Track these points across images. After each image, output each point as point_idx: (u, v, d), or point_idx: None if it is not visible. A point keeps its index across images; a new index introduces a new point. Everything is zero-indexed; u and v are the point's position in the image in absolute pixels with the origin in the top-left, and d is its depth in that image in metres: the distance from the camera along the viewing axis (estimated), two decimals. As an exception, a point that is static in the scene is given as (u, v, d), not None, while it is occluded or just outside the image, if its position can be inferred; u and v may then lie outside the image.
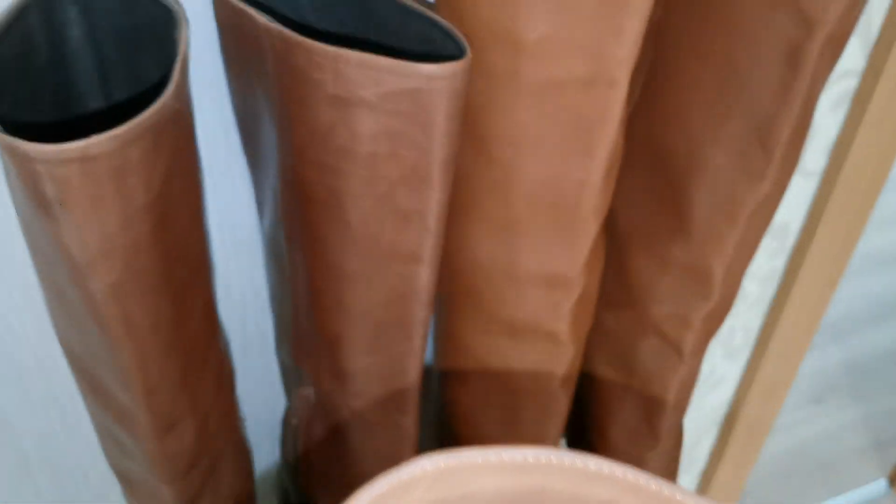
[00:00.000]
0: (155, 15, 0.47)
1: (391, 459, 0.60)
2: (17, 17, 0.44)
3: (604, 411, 0.73)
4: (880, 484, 1.59)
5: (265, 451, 0.86)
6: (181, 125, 0.42)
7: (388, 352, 0.53)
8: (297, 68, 0.43)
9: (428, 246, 0.48)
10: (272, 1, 0.51)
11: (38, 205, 0.36)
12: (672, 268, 0.62)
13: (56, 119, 0.48)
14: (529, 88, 0.45)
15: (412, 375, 0.54)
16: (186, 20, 0.45)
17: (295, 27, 0.52)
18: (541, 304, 0.57)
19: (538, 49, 0.43)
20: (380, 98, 0.42)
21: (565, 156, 0.48)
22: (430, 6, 0.50)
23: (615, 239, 0.63)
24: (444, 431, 0.72)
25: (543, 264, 0.54)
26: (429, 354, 0.68)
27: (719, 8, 0.49)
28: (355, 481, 0.35)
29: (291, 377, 0.65)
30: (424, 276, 0.50)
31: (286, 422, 0.71)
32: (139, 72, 0.51)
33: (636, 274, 0.64)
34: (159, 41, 0.48)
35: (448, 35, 0.45)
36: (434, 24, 0.46)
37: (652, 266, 0.63)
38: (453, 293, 0.59)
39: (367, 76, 0.42)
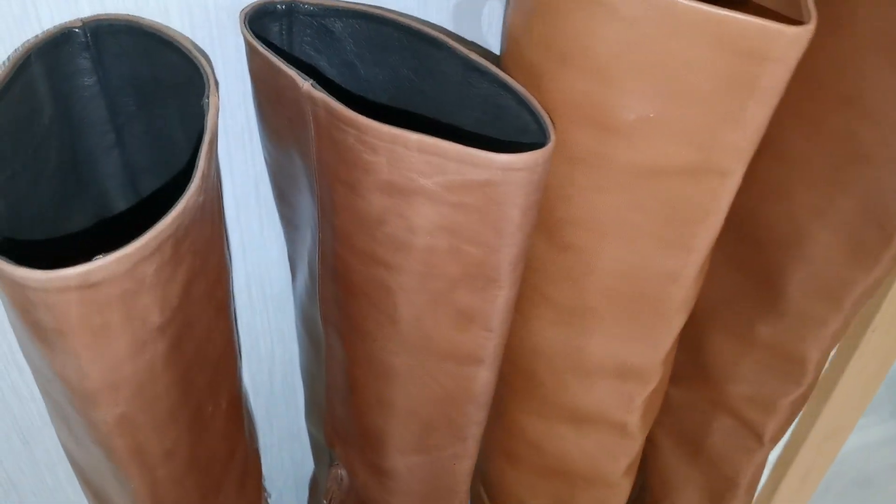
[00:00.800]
0: (179, 68, 0.40)
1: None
2: (18, 68, 0.37)
3: (664, 488, 0.67)
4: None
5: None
6: (208, 212, 0.35)
7: (437, 453, 0.46)
8: (344, 146, 0.36)
9: (490, 347, 0.41)
10: (312, 48, 0.44)
11: (32, 332, 0.30)
12: (756, 348, 0.54)
13: (60, 189, 0.41)
14: (619, 174, 0.38)
15: (462, 479, 0.48)
16: (216, 82, 0.38)
17: (339, 79, 0.45)
18: (610, 395, 0.50)
19: (635, 132, 0.36)
20: (443, 188, 0.35)
21: (656, 247, 0.40)
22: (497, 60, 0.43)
23: (690, 310, 0.55)
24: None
25: (617, 356, 0.47)
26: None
27: (838, 81, 0.41)
28: None
29: (321, 451, 0.58)
30: (483, 379, 0.43)
31: (314, 495, 0.65)
32: (160, 128, 0.45)
33: (713, 350, 0.57)
34: (183, 96, 0.41)
35: (523, 104, 0.38)
36: (506, 87, 0.39)
37: (732, 343, 0.55)
38: (508, 373, 0.52)
39: (429, 163, 0.35)
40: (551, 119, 0.36)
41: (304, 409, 0.59)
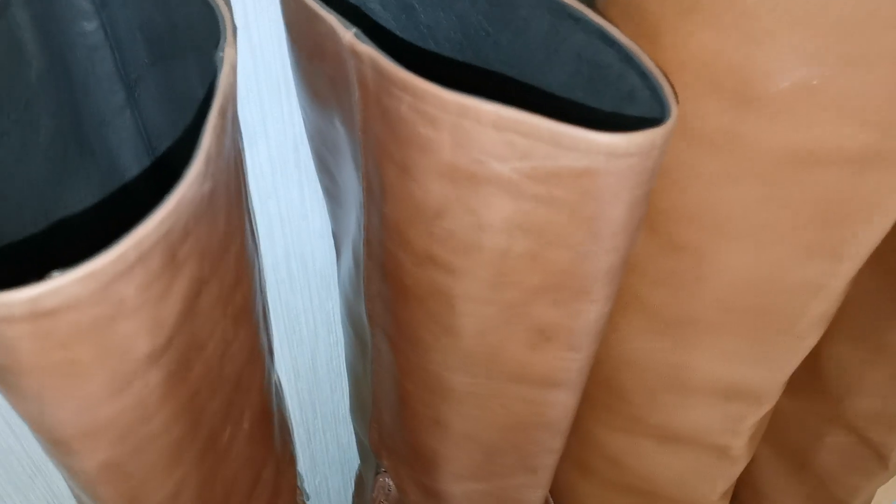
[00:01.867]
0: (197, 12, 0.32)
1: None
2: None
3: (757, 500, 0.58)
4: None
5: (335, 491, 0.74)
6: (219, 201, 0.27)
7: (500, 481, 0.39)
8: (396, 116, 0.28)
9: (573, 370, 0.33)
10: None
11: (-21, 366, 0.23)
12: (888, 358, 0.45)
13: (59, 163, 0.34)
14: (758, 160, 0.28)
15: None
16: (234, 29, 0.29)
17: (394, 28, 0.36)
18: (712, 417, 0.41)
19: (786, 105, 0.26)
20: (524, 176, 0.27)
21: (797, 254, 0.31)
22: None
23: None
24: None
25: (726, 377, 0.38)
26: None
27: None
28: None
29: (367, 453, 0.51)
30: (562, 404, 0.35)
31: (359, 494, 0.58)
32: (180, 86, 0.37)
33: (833, 357, 0.47)
34: (204, 47, 0.33)
35: (630, 63, 0.29)
36: (608, 40, 0.29)
37: (858, 352, 0.46)
38: (588, 383, 0.43)
39: (507, 143, 0.26)
40: (671, 85, 0.27)
41: (349, 402, 0.52)
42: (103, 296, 0.22)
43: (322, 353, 0.60)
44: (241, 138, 0.37)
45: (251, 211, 0.35)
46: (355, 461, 0.71)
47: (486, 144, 0.26)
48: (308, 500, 0.68)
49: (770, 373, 0.37)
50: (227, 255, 0.29)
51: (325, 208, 0.49)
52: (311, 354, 0.59)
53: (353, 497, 0.62)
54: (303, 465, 0.69)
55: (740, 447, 0.43)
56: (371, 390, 0.43)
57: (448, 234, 0.29)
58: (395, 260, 0.33)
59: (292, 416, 0.63)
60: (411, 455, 0.41)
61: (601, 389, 0.43)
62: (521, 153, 0.26)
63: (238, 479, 0.34)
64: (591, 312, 0.31)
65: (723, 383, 0.38)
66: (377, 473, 0.48)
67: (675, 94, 0.26)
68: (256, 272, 0.35)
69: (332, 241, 0.50)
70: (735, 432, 0.42)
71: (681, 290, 0.35)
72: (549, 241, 0.28)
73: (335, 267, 0.53)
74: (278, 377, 0.56)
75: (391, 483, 0.47)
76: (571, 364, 0.33)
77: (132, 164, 0.39)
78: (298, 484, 0.48)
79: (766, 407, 0.40)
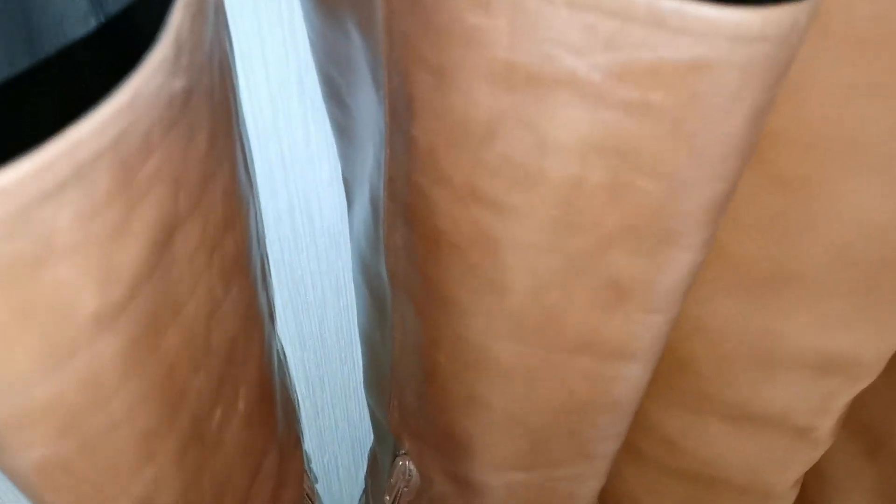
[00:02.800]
0: None
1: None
2: None
3: (823, 485, 0.52)
4: None
5: (345, 470, 0.68)
6: (199, 109, 0.20)
7: (550, 472, 0.32)
8: (433, 1, 0.21)
9: (650, 337, 0.26)
10: None
11: None
12: None
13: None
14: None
15: (585, 498, 0.33)
16: None
17: None
18: (800, 394, 0.34)
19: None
20: (609, 75, 0.20)
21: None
22: None
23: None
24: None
25: (826, 345, 0.31)
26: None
27: None
28: None
29: (384, 432, 0.45)
30: (633, 380, 0.28)
31: (374, 474, 0.52)
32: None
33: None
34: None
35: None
36: None
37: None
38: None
39: (587, 28, 0.19)
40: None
41: (364, 375, 0.46)
42: (22, 226, 0.15)
43: (331, 319, 0.53)
44: (231, 48, 0.30)
45: (244, 136, 0.28)
46: (367, 438, 0.64)
47: (558, 31, 0.19)
48: (316, 482, 0.62)
49: (879, 343, 0.31)
50: (211, 186, 0.22)
51: (335, 149, 0.42)
52: (319, 321, 0.53)
53: (366, 477, 0.56)
54: (310, 443, 0.63)
55: (826, 430, 0.36)
56: (391, 363, 0.36)
57: (499, 161, 0.23)
58: (426, 199, 0.26)
59: (297, 390, 0.57)
60: (441, 439, 0.34)
61: (662, 360, 0.37)
62: (605, 41, 0.19)
63: (233, 473, 0.28)
64: (681, 263, 0.24)
65: (819, 355, 0.32)
66: (396, 456, 0.42)
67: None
68: (253, 215, 0.28)
69: (343, 190, 0.43)
70: (824, 412, 0.35)
71: (783, 239, 0.28)
72: (635, 168, 0.21)
73: (346, 221, 0.46)
74: (281, 346, 0.49)
75: (413, 468, 0.41)
76: (649, 330, 0.26)
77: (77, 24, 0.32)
78: (305, 466, 0.42)
79: (864, 383, 0.33)
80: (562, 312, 0.26)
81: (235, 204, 0.25)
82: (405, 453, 0.42)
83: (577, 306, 0.26)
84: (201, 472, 0.25)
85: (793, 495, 0.43)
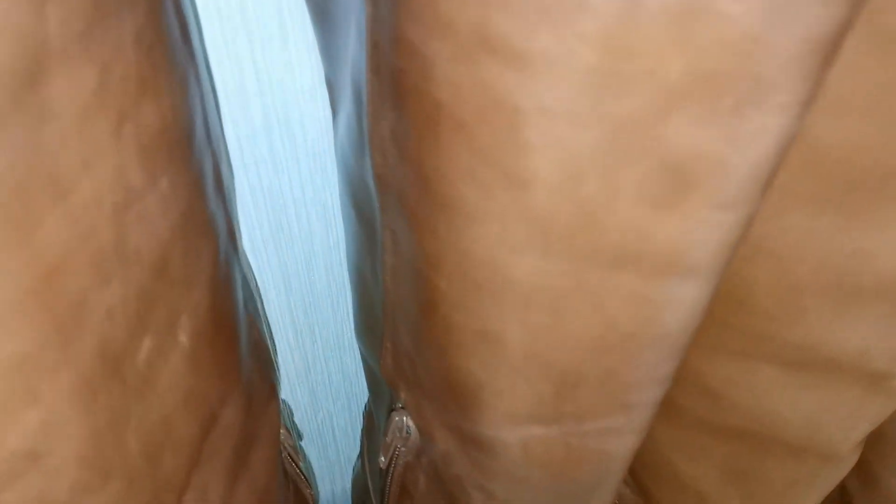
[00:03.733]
0: None
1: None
2: None
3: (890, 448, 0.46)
4: None
5: (341, 430, 0.62)
6: None
7: (579, 426, 0.26)
8: None
9: (713, 244, 0.20)
10: None
11: None
12: None
13: None
14: None
15: (616, 466, 0.27)
16: None
17: None
18: (880, 332, 0.28)
19: None
20: None
21: None
22: None
23: None
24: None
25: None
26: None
27: None
28: None
29: (378, 383, 0.39)
30: (692, 302, 0.22)
31: (369, 433, 0.46)
32: None
33: None
34: None
35: None
36: None
37: None
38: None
39: None
40: None
41: (354, 318, 0.39)
42: None
43: (319, 258, 0.47)
44: None
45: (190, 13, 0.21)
46: (365, 394, 0.59)
47: None
48: (301, 439, 0.56)
49: None
50: (112, 24, 0.15)
51: (317, 53, 0.35)
52: (306, 261, 0.47)
53: (362, 436, 0.50)
54: (300, 400, 0.57)
55: (913, 376, 0.30)
56: (382, 298, 0.30)
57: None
58: (419, 62, 0.19)
59: (285, 340, 0.51)
60: (442, 387, 0.28)
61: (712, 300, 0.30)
62: None
63: (175, 426, 0.22)
64: (769, 135, 0.17)
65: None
66: (391, 410, 0.36)
67: None
68: (197, 94, 0.22)
69: (327, 99, 0.37)
70: (912, 353, 0.29)
71: (891, 123, 0.21)
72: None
73: (332, 138, 0.40)
74: (254, 278, 0.43)
75: (411, 424, 0.35)
76: (716, 234, 0.19)
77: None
78: (285, 420, 0.36)
79: (970, 316, 0.27)
80: (600, 211, 0.19)
81: (160, 63, 0.18)
82: (401, 407, 0.36)
83: (622, 202, 0.19)
84: (122, 420, 0.19)
85: (854, 459, 0.37)
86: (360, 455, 0.52)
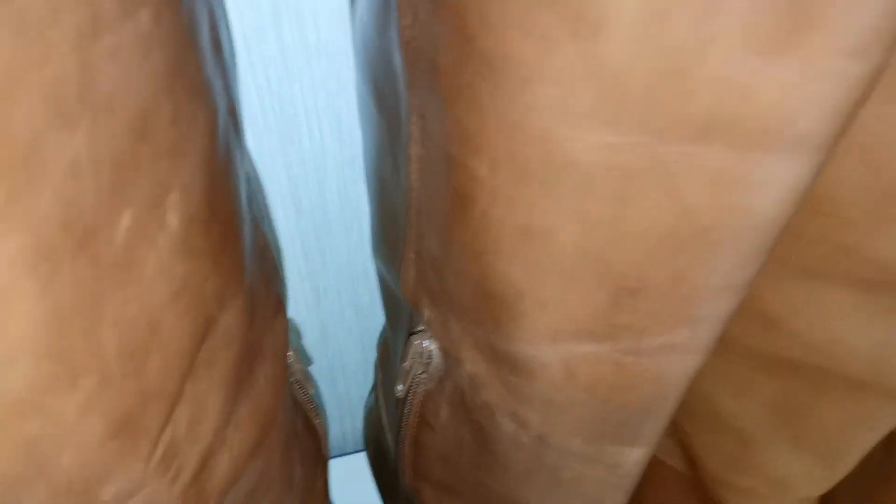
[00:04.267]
0: None
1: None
2: None
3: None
4: None
5: (352, 369, 0.59)
6: None
7: (635, 341, 0.22)
8: None
9: (829, 106, 0.16)
10: None
11: None
12: None
13: None
14: None
15: (673, 391, 0.24)
16: None
17: None
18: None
19: None
20: None
21: None
22: None
23: None
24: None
25: None
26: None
27: None
28: None
29: (396, 305, 0.35)
30: (787, 185, 0.18)
31: (384, 364, 0.43)
32: None
33: None
34: None
35: None
36: None
37: None
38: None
39: None
40: None
41: (371, 234, 0.36)
42: None
43: (332, 177, 0.43)
44: None
45: None
46: (378, 329, 0.55)
47: None
48: (310, 364, 0.53)
49: None
50: None
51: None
52: (318, 179, 0.43)
53: (376, 369, 0.47)
54: (310, 335, 0.54)
55: None
56: (406, 200, 0.26)
57: None
58: None
59: (296, 269, 0.48)
60: (474, 299, 0.25)
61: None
62: None
63: (163, 324, 0.18)
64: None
65: None
66: (411, 334, 0.32)
67: None
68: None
69: (344, -15, 0.32)
70: None
71: None
72: None
73: (349, 33, 0.36)
74: (257, 177, 0.39)
75: (433, 348, 0.31)
76: (839, 88, 0.16)
77: None
78: (293, 342, 0.32)
79: None
80: (690, 63, 0.16)
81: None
82: (422, 330, 0.32)
83: (719, 49, 0.15)
84: (95, 308, 0.15)
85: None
86: (374, 388, 0.49)
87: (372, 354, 0.58)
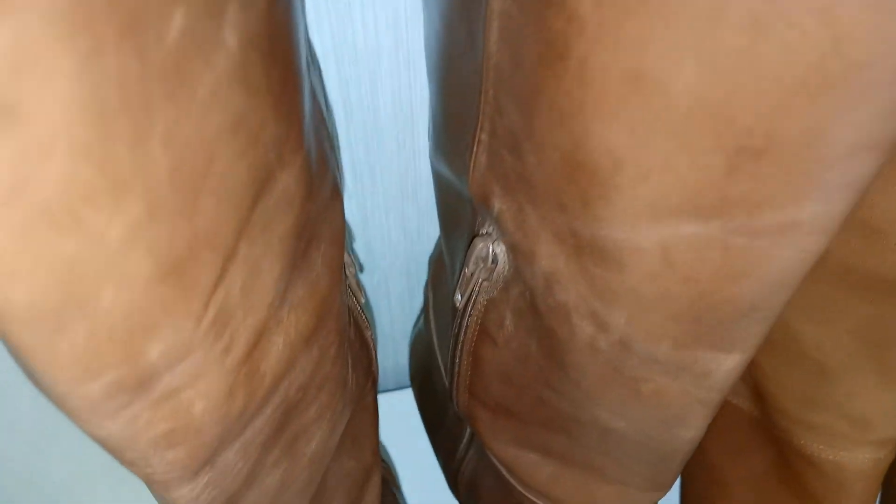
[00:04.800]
0: None
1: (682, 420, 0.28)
2: None
3: None
4: None
5: (397, 296, 0.56)
6: None
7: (748, 219, 0.19)
8: None
9: None
10: None
11: None
12: None
13: None
14: None
15: (785, 284, 0.21)
16: None
17: None
18: None
19: None
20: None
21: None
22: None
23: None
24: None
25: None
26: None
27: None
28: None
29: (457, 201, 0.33)
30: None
31: (437, 281, 0.40)
32: None
33: None
34: None
35: None
36: None
37: None
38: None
39: None
40: None
41: (431, 133, 0.33)
42: None
43: (385, 81, 0.40)
44: None
45: None
46: (422, 258, 0.53)
47: None
48: (362, 270, 0.51)
49: None
50: None
51: None
52: (371, 83, 0.40)
53: (426, 290, 0.45)
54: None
55: None
56: (480, 69, 0.23)
57: None
58: None
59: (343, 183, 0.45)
60: (559, 175, 0.22)
61: None
62: None
63: (218, 158, 0.16)
64: None
65: None
66: (475, 234, 0.30)
67: None
68: None
69: None
70: None
71: None
72: None
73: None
74: (313, 50, 0.37)
75: (498, 250, 0.29)
76: None
77: None
78: (347, 244, 0.30)
79: None
80: None
81: None
82: (487, 233, 0.29)
83: None
84: (143, 113, 0.13)
85: None
86: (423, 311, 0.46)
87: (416, 285, 0.56)
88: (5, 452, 0.61)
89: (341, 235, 0.25)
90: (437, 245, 0.42)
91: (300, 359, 0.22)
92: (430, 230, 0.50)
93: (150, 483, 0.19)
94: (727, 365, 0.24)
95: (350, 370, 0.29)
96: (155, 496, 0.22)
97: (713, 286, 0.21)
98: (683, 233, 0.20)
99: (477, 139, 0.25)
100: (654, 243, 0.21)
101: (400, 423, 0.60)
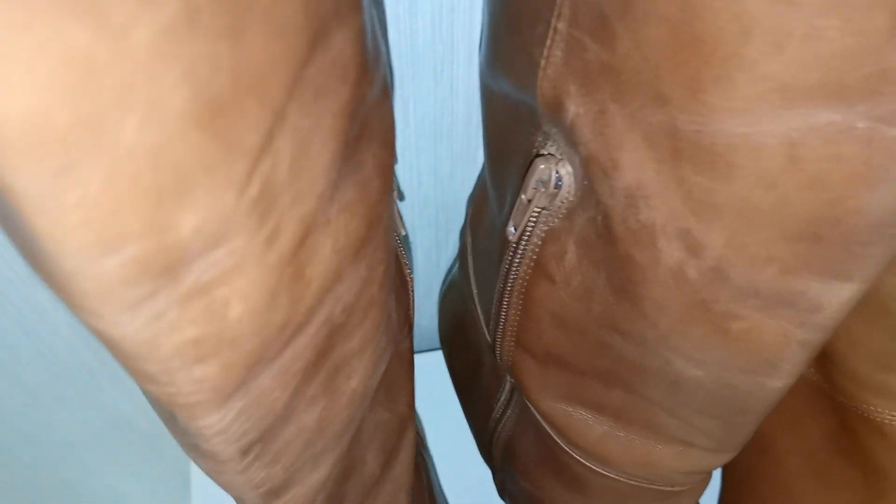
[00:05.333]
0: None
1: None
2: None
3: None
4: None
5: (424, 251, 0.53)
6: None
7: (871, 106, 0.16)
8: None
9: None
10: None
11: None
12: None
13: None
14: None
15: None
16: None
17: None
18: None
19: None
20: None
21: None
22: None
23: None
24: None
25: None
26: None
27: None
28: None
29: (515, 130, 0.29)
30: None
31: (478, 217, 0.37)
32: None
33: None
34: None
35: None
36: None
37: None
38: None
39: None
40: None
41: (484, 45, 0.29)
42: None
43: (426, 5, 0.36)
44: None
45: None
46: (457, 206, 0.49)
47: None
48: (402, 199, 0.48)
49: None
50: None
51: None
52: (409, 2, 0.36)
53: (463, 234, 0.41)
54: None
55: None
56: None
57: None
58: None
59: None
60: (662, 53, 0.18)
61: None
62: None
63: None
64: None
65: None
66: (537, 154, 0.26)
67: None
68: None
69: None
70: None
71: None
72: None
73: None
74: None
75: (563, 171, 0.25)
76: None
77: None
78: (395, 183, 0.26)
79: None
80: None
81: None
82: (549, 154, 0.26)
83: None
84: None
85: None
86: (459, 257, 0.43)
87: (444, 238, 0.53)
88: (6, 409, 0.58)
89: (392, 138, 0.22)
90: (477, 185, 0.39)
91: (348, 272, 0.19)
92: (463, 174, 0.47)
93: (173, 407, 0.15)
94: (842, 297, 0.21)
95: (395, 304, 0.26)
96: (172, 430, 0.19)
97: (844, 192, 0.18)
98: (819, 121, 0.17)
99: (553, 28, 0.22)
100: (778, 138, 0.18)
101: (422, 387, 0.57)
